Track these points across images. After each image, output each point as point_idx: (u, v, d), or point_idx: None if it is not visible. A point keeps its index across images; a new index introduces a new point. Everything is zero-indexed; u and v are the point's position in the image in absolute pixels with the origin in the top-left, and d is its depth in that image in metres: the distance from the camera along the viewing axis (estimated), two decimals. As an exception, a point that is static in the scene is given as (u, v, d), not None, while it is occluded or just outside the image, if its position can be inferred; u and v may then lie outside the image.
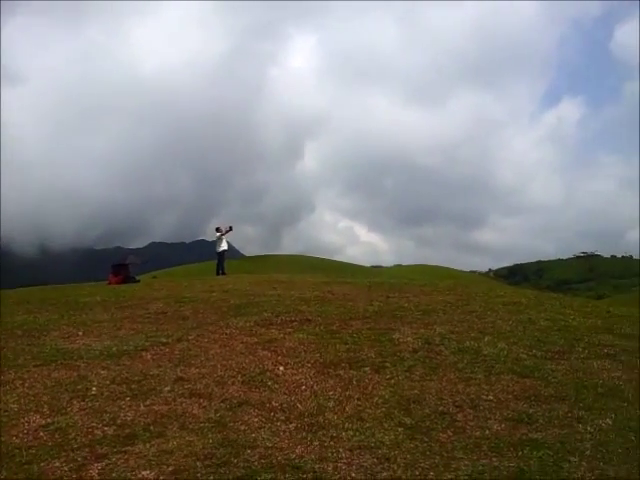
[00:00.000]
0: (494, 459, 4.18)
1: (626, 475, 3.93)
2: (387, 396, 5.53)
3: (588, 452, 4.26)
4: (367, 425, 4.84)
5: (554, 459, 4.16)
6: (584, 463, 4.09)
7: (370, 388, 5.79)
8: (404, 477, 3.93)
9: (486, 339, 7.65)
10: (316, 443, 4.52)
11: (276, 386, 5.90)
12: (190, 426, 4.90)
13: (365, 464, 4.14)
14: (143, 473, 4.03)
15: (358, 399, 5.48)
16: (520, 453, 4.26)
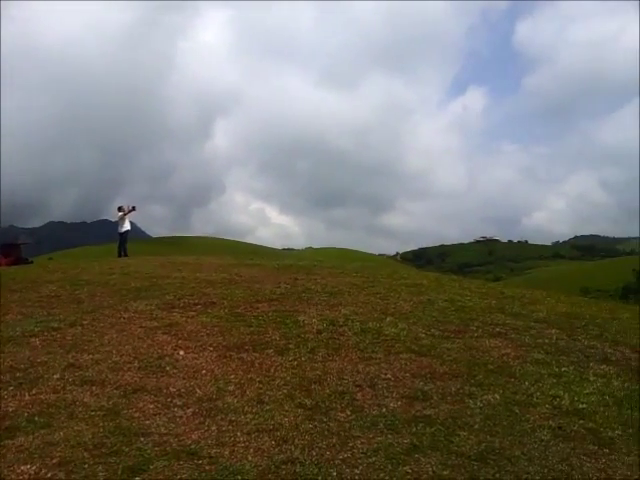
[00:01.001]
0: (389, 436, 4.28)
1: (509, 445, 4.16)
2: (289, 378, 5.52)
3: (477, 426, 4.47)
4: (267, 408, 4.80)
5: (445, 434, 4.32)
6: (472, 437, 4.29)
7: (272, 370, 5.75)
8: (301, 458, 3.93)
9: (388, 320, 7.84)
10: (214, 428, 4.41)
11: (175, 371, 5.71)
12: (80, 415, 4.63)
13: (263, 447, 4.10)
14: (22, 468, 3.75)
15: (260, 382, 5.42)
16: (414, 429, 4.39)
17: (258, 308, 8.43)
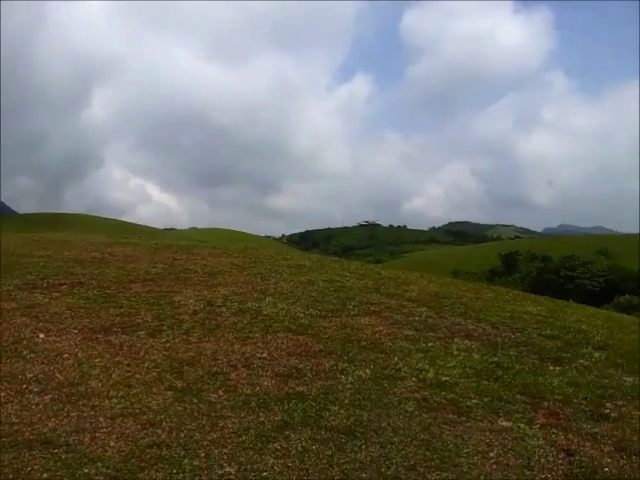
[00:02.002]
0: (261, 414, 4.26)
1: (376, 418, 4.31)
2: (159, 360, 5.31)
3: (347, 401, 4.58)
4: (134, 391, 4.58)
5: (317, 409, 4.38)
6: (342, 411, 4.39)
7: (142, 353, 5.50)
8: (168, 441, 3.79)
9: (267, 300, 7.82)
10: (74, 414, 4.13)
11: (32, 355, 5.28)
12: None
13: (127, 431, 3.90)
14: None
15: (127, 365, 5.16)
16: (286, 406, 4.41)
17: (131, 289, 8.04)
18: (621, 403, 5.00)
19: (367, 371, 5.28)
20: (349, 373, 5.19)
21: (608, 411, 4.81)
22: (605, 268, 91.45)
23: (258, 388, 4.77)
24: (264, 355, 5.59)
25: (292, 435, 3.95)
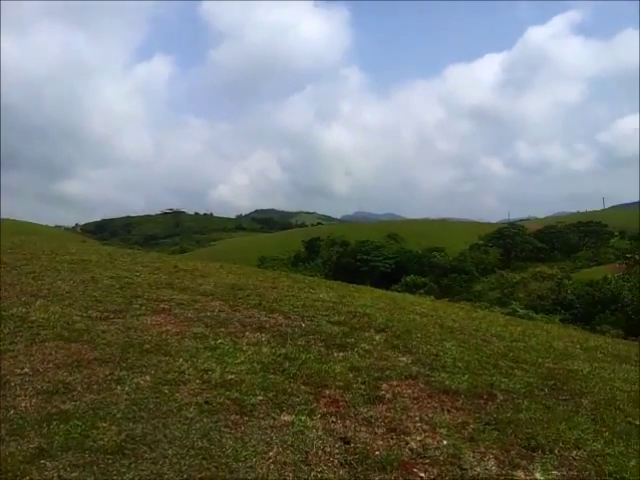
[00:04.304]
0: (12, 444, 3.65)
1: (152, 430, 3.97)
2: None
3: (120, 414, 4.15)
4: None
5: (82, 429, 3.89)
6: (114, 427, 3.96)
7: None
8: None
9: (38, 303, 6.92)
10: None
11: None
12: None
13: None
14: None
15: None
16: (45, 430, 3.84)
17: None
18: (395, 383, 5.35)
19: (147, 377, 4.89)
20: (126, 382, 4.74)
21: (383, 393, 5.09)
22: (395, 251, 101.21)
23: (12, 411, 4.09)
24: (25, 370, 4.86)
25: (48, 464, 3.43)
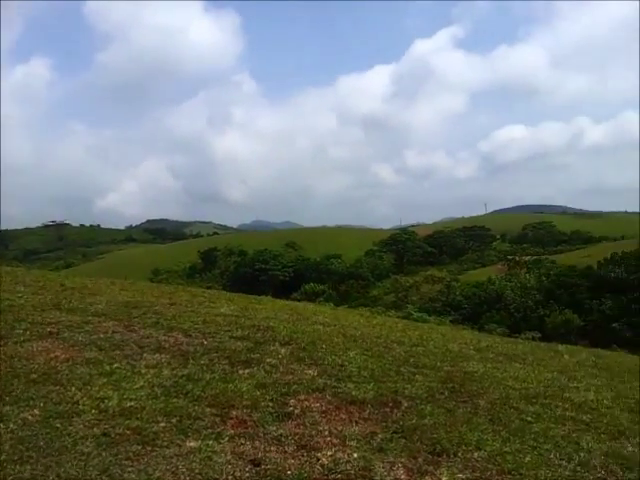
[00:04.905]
0: None
1: (43, 471, 3.61)
2: None
3: (4, 456, 3.74)
4: None
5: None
6: (-3, 471, 3.56)
7: None
8: None
9: None
10: None
11: None
12: None
13: None
14: None
15: None
16: None
17: None
18: (303, 398, 5.30)
19: (35, 411, 4.46)
20: (10, 419, 4.29)
21: (292, 408, 5.03)
22: (293, 259, 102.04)
23: None
24: None
25: None
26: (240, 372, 5.90)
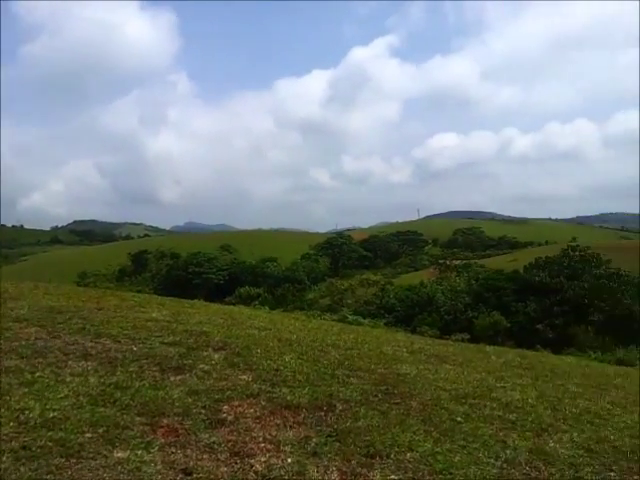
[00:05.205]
0: None
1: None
2: None
3: None
4: None
5: None
6: None
7: None
8: None
9: None
10: None
11: None
12: None
13: None
14: None
15: None
16: None
17: None
18: (237, 404, 5.21)
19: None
20: None
21: (225, 415, 4.93)
22: (228, 262, 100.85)
23: None
24: None
25: None
26: (171, 379, 5.73)
